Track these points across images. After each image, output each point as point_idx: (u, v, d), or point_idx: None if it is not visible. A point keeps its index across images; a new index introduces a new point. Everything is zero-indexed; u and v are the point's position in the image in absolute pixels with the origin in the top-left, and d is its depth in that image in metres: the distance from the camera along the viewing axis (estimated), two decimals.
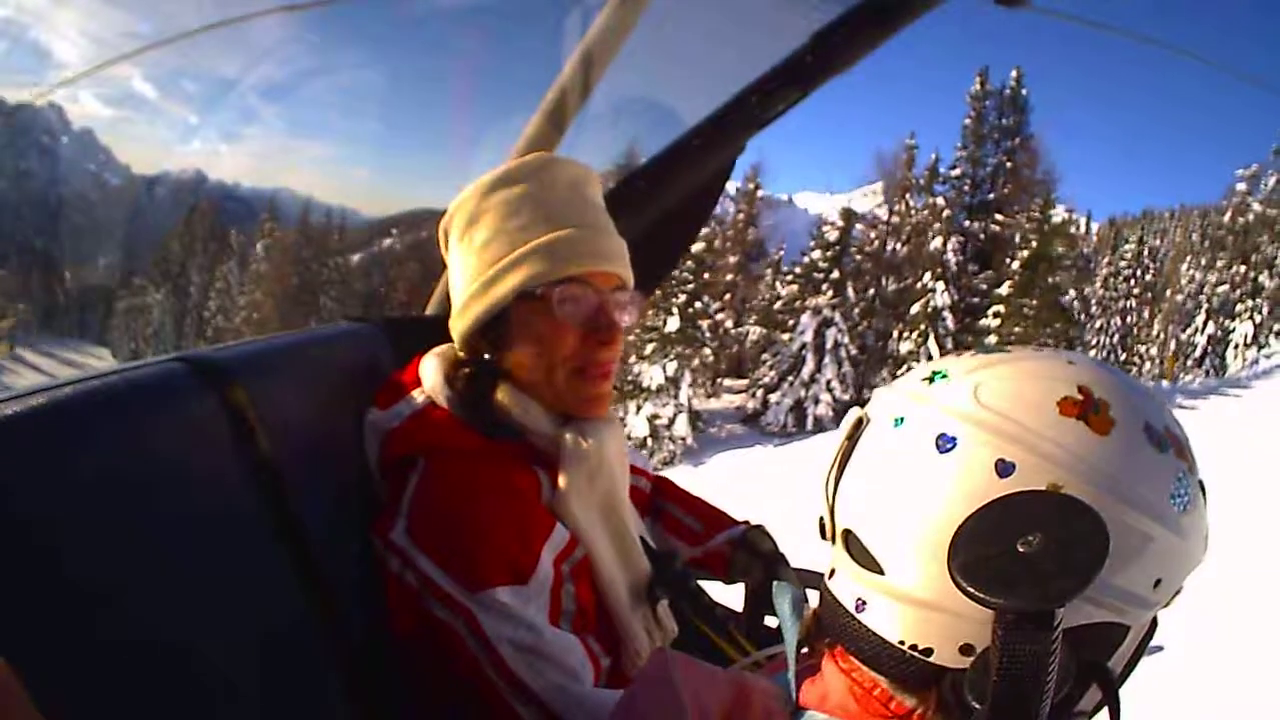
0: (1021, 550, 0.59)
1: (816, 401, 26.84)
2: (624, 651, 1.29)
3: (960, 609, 0.64)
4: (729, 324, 32.31)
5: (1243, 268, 34.11)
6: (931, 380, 0.73)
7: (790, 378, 27.41)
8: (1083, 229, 43.84)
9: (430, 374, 1.27)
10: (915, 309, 28.49)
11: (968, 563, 0.60)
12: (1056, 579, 0.57)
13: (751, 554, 1.55)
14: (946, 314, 27.92)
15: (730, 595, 1.57)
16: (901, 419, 0.71)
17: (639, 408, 24.62)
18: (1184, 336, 35.24)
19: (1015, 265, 27.87)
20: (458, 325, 1.29)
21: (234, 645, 0.89)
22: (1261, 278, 33.63)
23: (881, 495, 0.70)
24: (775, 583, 0.85)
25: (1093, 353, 32.21)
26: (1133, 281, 37.81)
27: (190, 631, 0.84)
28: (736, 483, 16.16)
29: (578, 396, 1.27)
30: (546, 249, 1.22)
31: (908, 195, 31.86)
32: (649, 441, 24.13)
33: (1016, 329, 26.57)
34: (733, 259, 35.66)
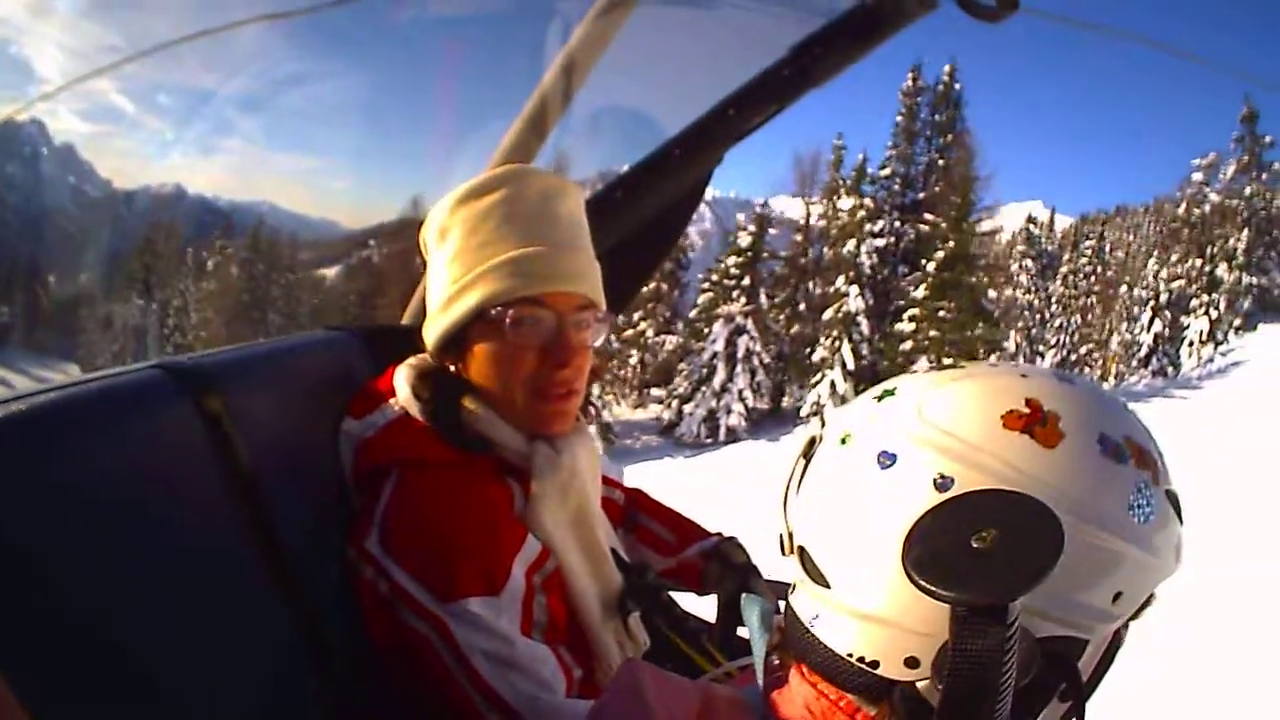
0: (975, 546, 0.59)
1: (728, 411, 26.52)
2: (596, 663, 1.29)
3: (903, 622, 0.64)
4: (649, 333, 31.73)
5: (1199, 261, 33.55)
6: (881, 399, 0.73)
7: (704, 388, 27.06)
8: (1047, 226, 43.33)
9: (402, 384, 1.27)
10: (828, 314, 27.53)
11: (921, 557, 0.60)
12: (1008, 574, 0.57)
13: (724, 565, 1.55)
14: (862, 319, 27.03)
15: (703, 606, 1.57)
16: (848, 437, 0.72)
17: None
18: (1130, 335, 34.08)
19: (931, 266, 27.08)
20: (427, 336, 1.29)
21: (210, 652, 0.89)
22: (1220, 270, 32.99)
23: (827, 512, 0.71)
24: (745, 595, 0.85)
25: (1052, 353, 31.98)
26: (1093, 279, 37.26)
27: (167, 639, 0.83)
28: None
29: (537, 414, 1.26)
30: (506, 268, 1.21)
31: (835, 197, 30.87)
32: None
33: (933, 333, 25.84)
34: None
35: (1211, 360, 28.36)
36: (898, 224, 29.60)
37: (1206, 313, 31.21)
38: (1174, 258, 35.48)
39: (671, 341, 31.04)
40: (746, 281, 28.89)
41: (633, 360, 30.03)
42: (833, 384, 25.46)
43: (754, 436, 25.90)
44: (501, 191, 1.25)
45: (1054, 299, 35.30)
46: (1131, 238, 43.18)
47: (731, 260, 29.63)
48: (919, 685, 0.66)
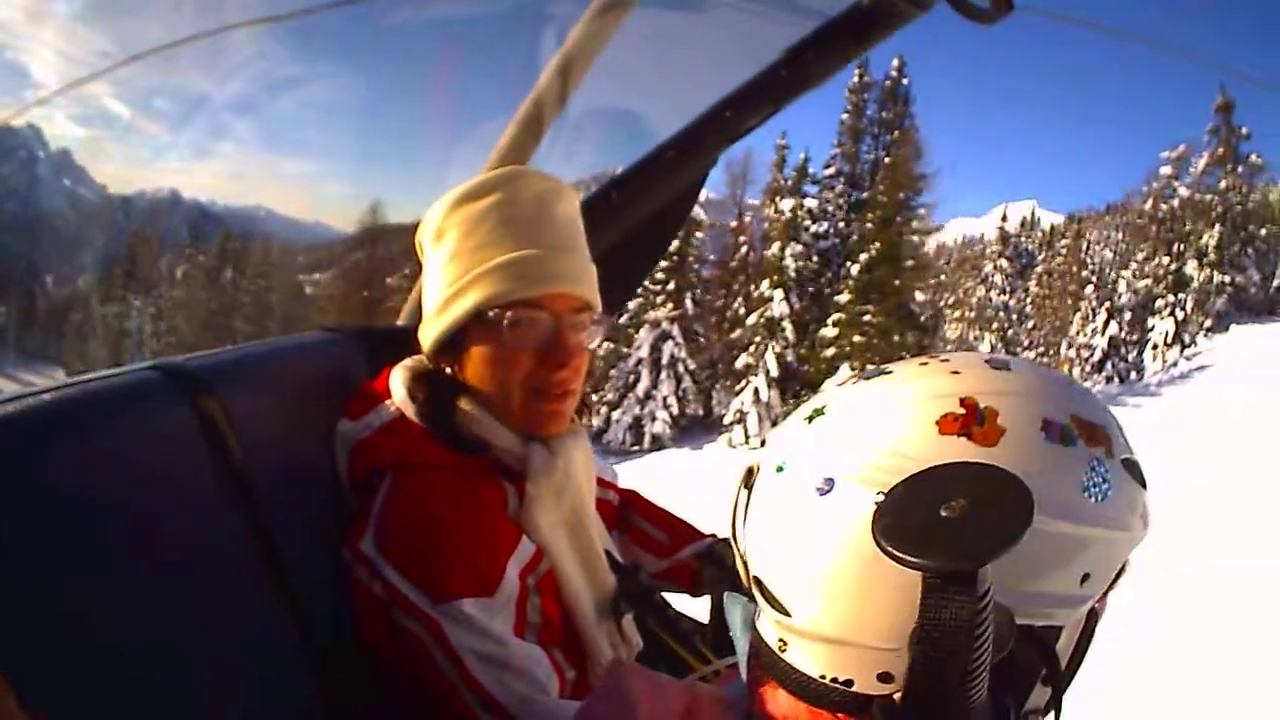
0: (945, 514, 0.58)
1: (653, 419, 26.07)
2: (589, 664, 1.29)
3: (868, 642, 0.64)
4: None
5: (1166, 260, 31.95)
6: (811, 419, 0.72)
7: (630, 394, 26.51)
8: (1029, 225, 42.35)
9: (398, 385, 1.27)
10: (752, 319, 26.64)
11: (890, 526, 0.59)
12: (977, 540, 0.56)
13: (718, 567, 1.55)
14: (787, 324, 25.90)
15: (697, 608, 1.57)
16: (783, 466, 0.70)
17: None
18: (1085, 338, 32.37)
19: (855, 269, 25.88)
20: (423, 338, 1.29)
21: (205, 652, 0.90)
22: (1189, 268, 31.38)
23: (776, 543, 0.70)
24: (727, 594, 0.84)
25: (1028, 354, 31.12)
26: (1068, 279, 35.74)
27: (163, 638, 0.84)
28: None
29: (534, 415, 1.27)
30: (502, 270, 1.22)
31: (777, 198, 29.15)
32: None
33: (856, 338, 24.54)
34: None
35: (1175, 364, 27.10)
36: (842, 225, 28.74)
37: (1172, 313, 29.96)
38: (1141, 256, 34.67)
39: (604, 347, 30.62)
40: (672, 286, 28.20)
41: None
42: (756, 391, 24.80)
43: (680, 444, 25.61)
44: (498, 194, 1.25)
45: (1028, 301, 34.88)
46: (1122, 235, 41.65)
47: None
48: (896, 697, 0.65)
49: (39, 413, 0.82)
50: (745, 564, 0.73)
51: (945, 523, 0.57)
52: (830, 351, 24.99)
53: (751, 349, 26.31)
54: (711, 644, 1.52)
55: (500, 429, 1.26)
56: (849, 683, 0.67)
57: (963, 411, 0.65)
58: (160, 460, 0.94)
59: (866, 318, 24.80)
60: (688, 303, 28.47)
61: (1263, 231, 31.70)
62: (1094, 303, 33.02)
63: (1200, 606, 5.73)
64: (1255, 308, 30.57)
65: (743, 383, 25.77)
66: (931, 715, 0.61)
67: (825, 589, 0.65)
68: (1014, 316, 32.43)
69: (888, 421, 0.67)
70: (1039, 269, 36.25)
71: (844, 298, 25.56)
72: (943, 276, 43.05)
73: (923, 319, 25.65)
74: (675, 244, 27.06)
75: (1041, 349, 32.38)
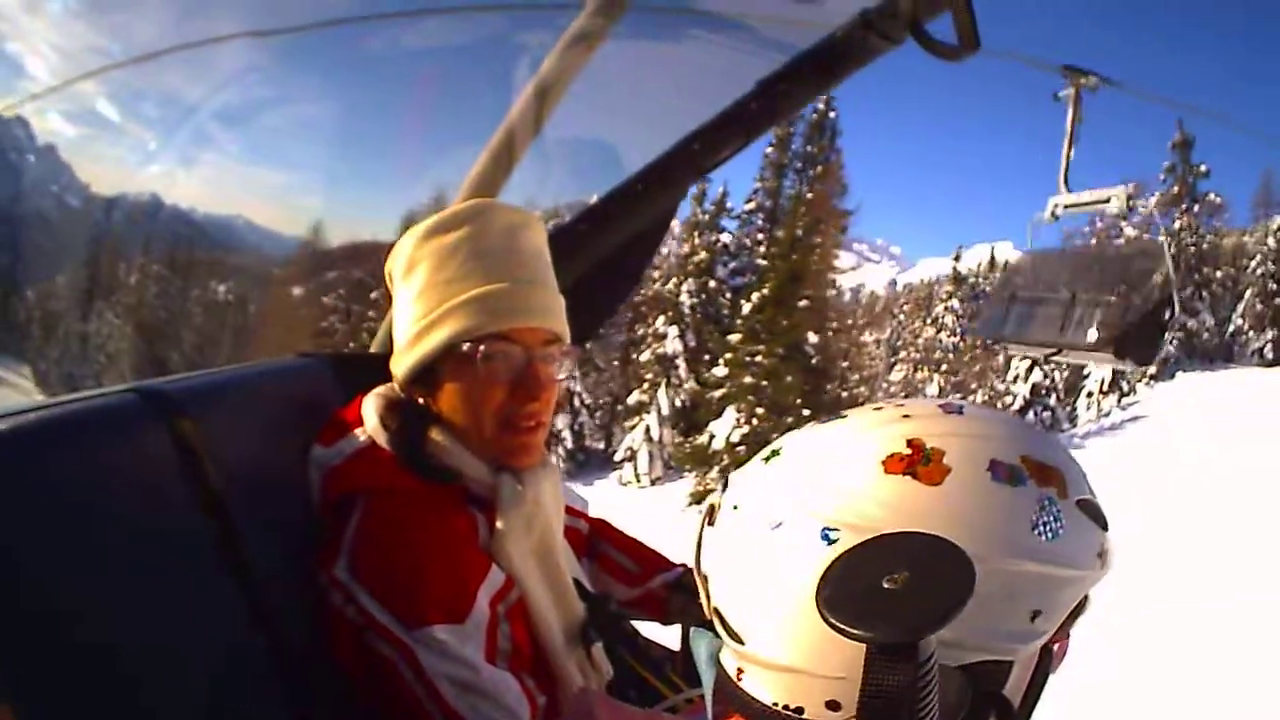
0: (887, 586, 0.59)
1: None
2: (560, 691, 1.29)
3: (816, 670, 0.65)
4: None
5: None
6: (768, 459, 0.74)
7: None
8: (987, 266, 38.94)
9: (371, 413, 1.28)
10: (645, 356, 26.18)
11: (833, 596, 0.60)
12: (916, 612, 0.57)
13: (688, 596, 1.55)
14: (680, 362, 25.23)
15: (668, 636, 1.58)
16: (739, 504, 0.72)
17: None
18: (1001, 385, 30.06)
19: (746, 308, 24.07)
20: (395, 369, 1.30)
21: (181, 675, 0.90)
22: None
23: (732, 576, 0.71)
24: (693, 629, 0.86)
25: (975, 396, 29.85)
26: None
27: (137, 661, 0.85)
28: None
29: (506, 447, 1.28)
30: (474, 304, 1.23)
31: (697, 232, 28.15)
32: None
33: (746, 380, 22.49)
34: None
35: (1108, 414, 25.68)
36: (762, 261, 26.89)
37: None
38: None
39: None
40: None
41: None
42: (648, 429, 24.16)
43: (575, 478, 24.79)
44: (467, 227, 1.26)
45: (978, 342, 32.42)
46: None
47: None
48: None
49: (15, 433, 0.83)
50: (707, 596, 0.75)
51: (887, 594, 0.58)
52: (719, 392, 23.61)
53: (645, 386, 25.96)
54: (682, 673, 1.52)
55: (471, 459, 1.26)
56: (800, 710, 0.68)
57: (909, 452, 0.67)
58: (136, 481, 0.95)
59: (757, 359, 22.99)
60: None
61: (1218, 274, 30.33)
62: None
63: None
64: (1209, 354, 29.36)
65: (635, 419, 25.32)
66: None
67: (775, 619, 0.67)
68: (965, 358, 31.76)
69: (836, 462, 0.69)
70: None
71: (735, 337, 23.99)
72: (853, 318, 41.87)
73: (813, 361, 23.89)
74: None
75: (974, 393, 30.82)
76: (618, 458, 25.30)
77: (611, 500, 19.50)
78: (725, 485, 0.77)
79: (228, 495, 1.07)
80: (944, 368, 31.31)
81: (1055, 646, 0.73)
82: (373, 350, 1.78)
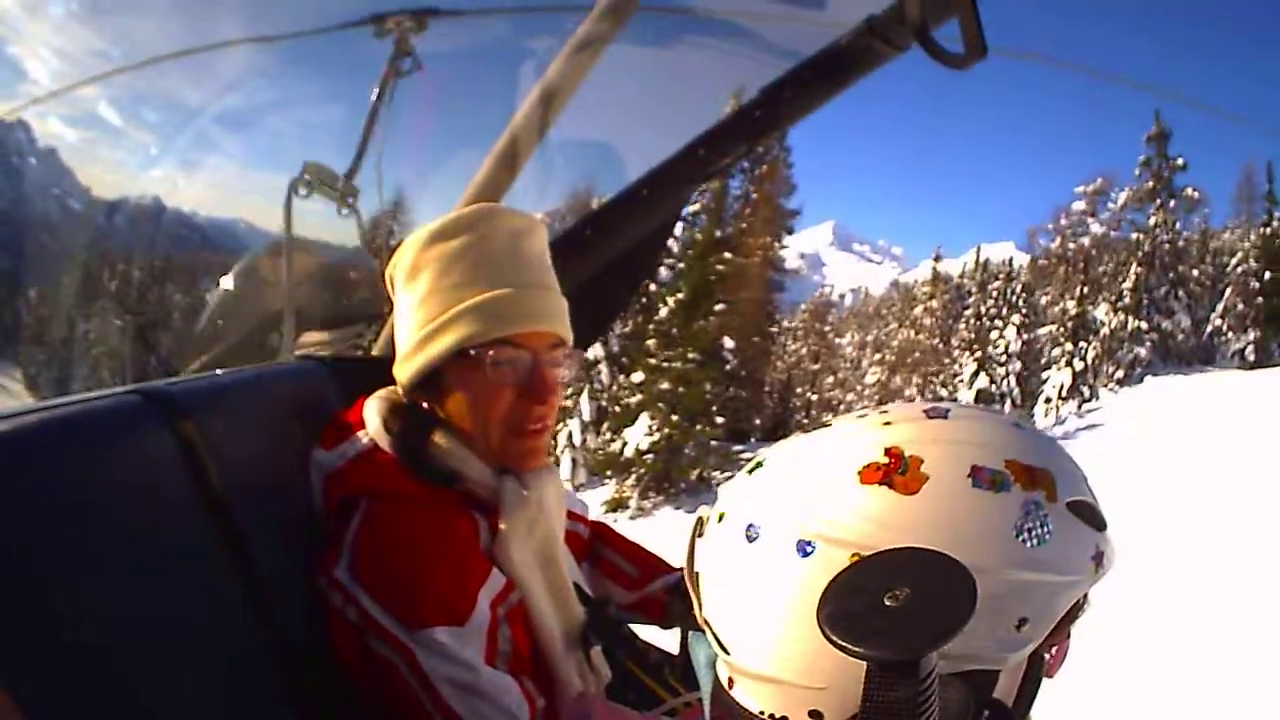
0: (888, 603, 0.58)
1: None
2: (559, 694, 1.30)
3: (797, 680, 0.65)
4: None
5: (1072, 304, 28.27)
6: (752, 471, 0.74)
7: None
8: (980, 268, 36.31)
9: (373, 417, 1.28)
10: None
11: (834, 613, 0.60)
12: (917, 631, 0.57)
13: (687, 600, 1.55)
14: (602, 367, 24.08)
15: (667, 639, 1.57)
16: (723, 515, 0.73)
17: None
18: (945, 391, 30.37)
19: (664, 312, 22.68)
20: (399, 373, 1.30)
21: (183, 675, 0.90)
22: (1099, 312, 27.83)
23: (715, 587, 0.72)
24: (692, 633, 0.86)
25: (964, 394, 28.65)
26: (997, 321, 31.40)
27: (140, 662, 0.85)
28: None
29: (512, 450, 1.29)
30: (481, 309, 1.23)
31: None
32: None
33: (663, 386, 21.47)
34: None
35: (1064, 421, 24.27)
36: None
37: (1070, 363, 26.63)
38: (1044, 300, 31.49)
39: None
40: None
41: None
42: (570, 435, 23.25)
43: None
44: (472, 232, 1.26)
45: (956, 343, 32.14)
46: (1019, 278, 34.98)
47: None
48: None
49: (20, 434, 0.83)
50: (699, 606, 0.75)
51: (888, 611, 0.58)
52: (637, 398, 22.69)
53: (570, 391, 24.08)
54: (680, 677, 1.52)
55: (474, 462, 1.27)
56: (785, 718, 0.68)
57: (886, 461, 0.66)
58: (139, 483, 0.95)
59: (673, 364, 22.05)
60: None
61: (1195, 273, 29.30)
62: (967, 351, 31.24)
63: None
64: (1186, 356, 28.20)
65: (560, 425, 24.42)
66: None
67: (755, 629, 0.67)
68: (944, 360, 31.01)
69: (813, 473, 0.69)
70: (968, 312, 33.10)
71: (651, 342, 23.06)
72: (793, 321, 41.27)
73: (728, 367, 23.43)
74: None
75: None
76: None
77: None
78: (716, 496, 0.77)
79: (229, 497, 1.07)
80: (921, 370, 30.84)
81: (1053, 650, 0.73)
82: (374, 354, 1.78)
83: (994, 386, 27.89)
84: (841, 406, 34.87)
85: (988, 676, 0.66)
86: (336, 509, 1.23)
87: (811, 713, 0.66)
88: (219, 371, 1.39)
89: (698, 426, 21.29)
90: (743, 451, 23.28)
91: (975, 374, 28.15)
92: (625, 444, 21.92)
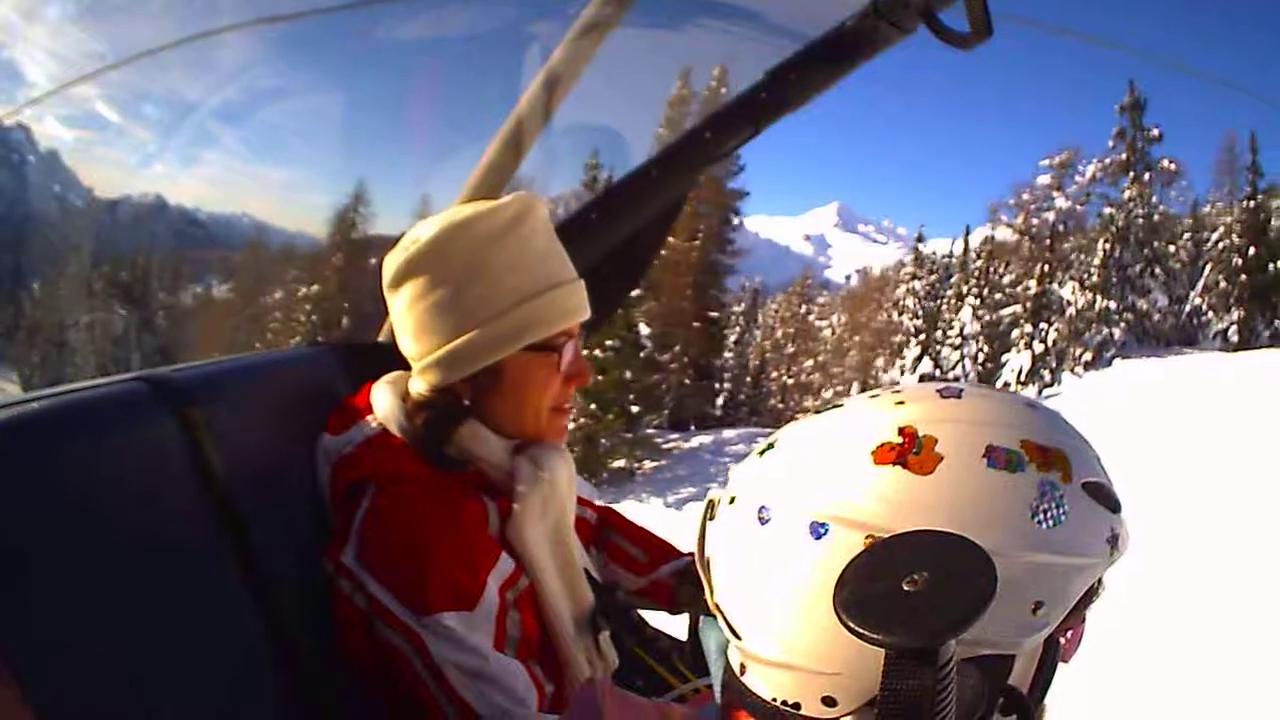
0: (907, 589, 0.57)
1: None
2: (567, 679, 1.30)
3: (810, 666, 0.64)
4: None
5: (1032, 284, 27.18)
6: (763, 453, 0.73)
7: None
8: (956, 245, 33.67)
9: (382, 401, 1.28)
10: None
11: (851, 599, 0.59)
12: (936, 617, 0.56)
13: (696, 585, 1.54)
14: None
15: (675, 625, 1.57)
16: (734, 497, 0.72)
17: None
18: (887, 376, 29.51)
19: None
20: (439, 370, 1.27)
21: (187, 661, 0.90)
22: (1066, 291, 26.45)
23: (727, 570, 0.71)
24: (703, 618, 0.85)
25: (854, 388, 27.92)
26: (980, 302, 29.11)
27: (144, 646, 0.85)
28: None
29: (551, 429, 1.33)
30: (551, 304, 1.27)
31: None
32: None
33: (600, 377, 20.68)
34: None
35: None
36: None
37: (1029, 345, 25.92)
38: (1006, 278, 29.52)
39: None
40: None
41: None
42: None
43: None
44: (522, 224, 1.27)
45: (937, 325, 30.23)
46: (978, 256, 32.32)
47: None
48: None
49: (24, 421, 0.83)
50: (710, 591, 0.74)
51: (906, 597, 0.57)
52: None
53: None
54: (689, 663, 1.52)
55: (495, 444, 1.27)
56: (797, 706, 0.67)
57: (900, 440, 0.65)
58: (144, 469, 0.95)
59: (589, 351, 21.39)
60: None
61: (1171, 249, 27.40)
62: (911, 335, 29.97)
63: None
64: (1164, 337, 26.71)
65: None
66: None
67: (766, 614, 0.66)
68: (959, 338, 29.09)
69: (826, 453, 0.67)
70: (949, 292, 30.80)
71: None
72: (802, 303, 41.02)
73: (642, 353, 22.94)
74: None
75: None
76: None
77: None
78: (727, 479, 0.76)
79: (235, 483, 1.07)
80: (903, 351, 29.36)
81: (1068, 634, 0.72)
82: (379, 340, 1.78)
83: (938, 370, 26.92)
84: (822, 390, 34.47)
85: (1003, 662, 0.65)
86: (344, 494, 1.23)
87: (825, 699, 0.65)
88: (224, 358, 1.38)
89: (609, 416, 21.31)
90: (678, 441, 23.08)
91: (919, 358, 27.44)
92: None
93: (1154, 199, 27.08)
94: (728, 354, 37.57)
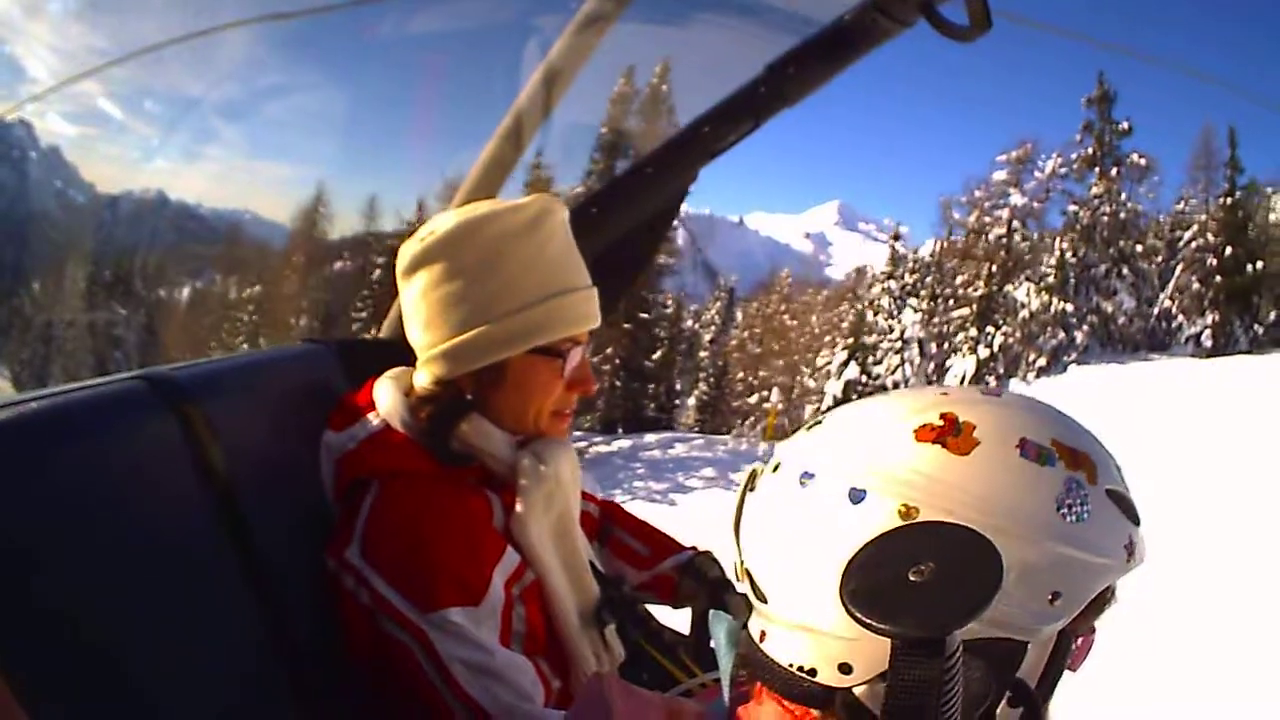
0: (913, 579, 0.59)
1: None
2: (573, 674, 1.30)
3: (829, 630, 0.66)
4: None
5: (980, 284, 25.95)
6: (810, 428, 0.76)
7: None
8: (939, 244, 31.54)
9: (385, 397, 1.27)
10: None
11: (858, 590, 0.61)
12: (944, 607, 0.58)
13: (698, 579, 1.56)
14: None
15: (678, 619, 1.58)
16: (779, 465, 0.74)
17: None
18: (813, 382, 28.72)
19: None
20: (445, 361, 1.27)
21: (188, 659, 0.90)
22: (1020, 293, 25.29)
23: (762, 532, 0.73)
24: (712, 611, 0.86)
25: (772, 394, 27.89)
26: (951, 304, 27.47)
27: (145, 645, 0.85)
28: None
29: (551, 429, 1.33)
30: (565, 309, 1.27)
31: None
32: None
33: None
34: None
35: None
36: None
37: (974, 350, 24.87)
38: (959, 279, 27.67)
39: None
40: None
41: None
42: None
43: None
44: (540, 226, 1.27)
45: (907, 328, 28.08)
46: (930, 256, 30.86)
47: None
48: (856, 691, 0.67)
49: (24, 420, 0.83)
50: (741, 560, 0.76)
51: (913, 587, 0.59)
52: None
53: None
54: (692, 656, 1.52)
55: (498, 439, 1.27)
56: (813, 672, 0.68)
57: (941, 423, 0.68)
58: (145, 468, 0.95)
59: None
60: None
61: (1139, 248, 25.96)
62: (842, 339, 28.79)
63: None
64: (1131, 341, 25.63)
65: None
66: None
67: (794, 574, 0.68)
68: (899, 341, 27.45)
69: (871, 428, 0.71)
70: (924, 292, 28.61)
71: None
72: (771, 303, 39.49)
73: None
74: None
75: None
76: None
77: None
78: (771, 454, 0.78)
79: (236, 481, 1.07)
80: (875, 351, 27.54)
81: (1078, 641, 0.73)
82: (381, 336, 1.78)
83: (865, 377, 25.79)
84: (777, 391, 32.89)
85: (1015, 650, 0.67)
86: (347, 491, 1.23)
87: (841, 666, 0.67)
88: (224, 355, 1.39)
89: None
90: (600, 444, 22.82)
91: (845, 363, 26.34)
92: None
93: (1122, 195, 26.12)
94: (703, 354, 38.37)
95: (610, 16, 1.73)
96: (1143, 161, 26.17)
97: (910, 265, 29.45)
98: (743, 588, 0.77)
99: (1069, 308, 25.01)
